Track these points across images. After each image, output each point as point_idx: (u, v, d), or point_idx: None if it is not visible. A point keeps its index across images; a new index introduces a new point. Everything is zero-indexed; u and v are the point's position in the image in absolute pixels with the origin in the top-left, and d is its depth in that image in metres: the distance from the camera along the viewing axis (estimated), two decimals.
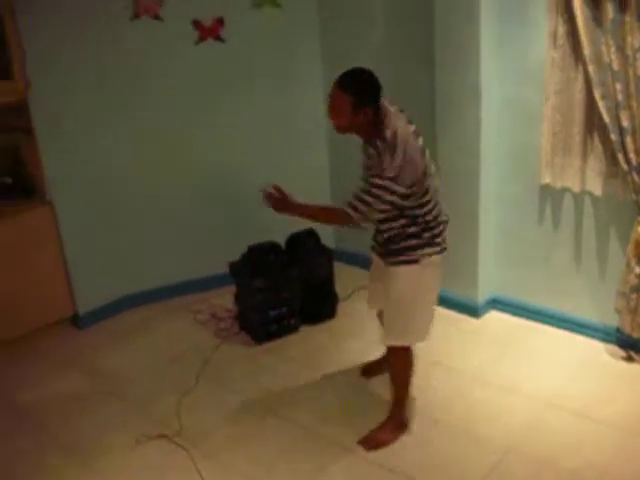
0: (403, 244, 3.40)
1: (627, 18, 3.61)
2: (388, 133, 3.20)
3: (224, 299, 5.16)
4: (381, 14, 4.91)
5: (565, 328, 4.54)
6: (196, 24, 4.92)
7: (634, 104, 3.73)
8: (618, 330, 4.26)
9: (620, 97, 3.75)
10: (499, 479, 3.40)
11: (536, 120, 4.25)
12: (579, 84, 3.99)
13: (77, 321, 5.09)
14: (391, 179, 3.15)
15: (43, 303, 4.90)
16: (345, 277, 5.14)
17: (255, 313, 4.70)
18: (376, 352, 4.30)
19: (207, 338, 4.84)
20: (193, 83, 5.06)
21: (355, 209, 3.25)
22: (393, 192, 3.17)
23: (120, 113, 4.92)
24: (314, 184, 5.57)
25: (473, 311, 4.80)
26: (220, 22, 4.96)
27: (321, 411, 4.01)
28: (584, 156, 4.11)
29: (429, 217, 3.38)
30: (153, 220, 5.23)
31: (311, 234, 4.92)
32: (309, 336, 4.80)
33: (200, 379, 4.37)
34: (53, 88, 4.62)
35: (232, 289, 4.96)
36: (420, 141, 3.31)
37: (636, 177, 3.84)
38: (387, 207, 3.23)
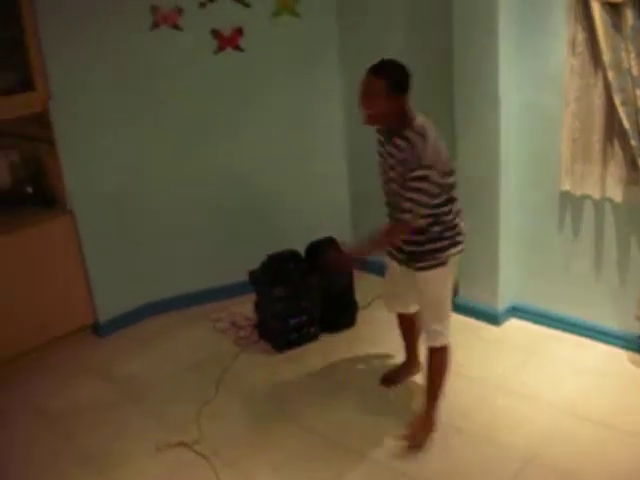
0: (428, 246, 3.44)
1: None
2: (417, 123, 3.29)
3: (244, 307, 5.15)
4: (400, 23, 4.91)
5: (586, 336, 4.51)
6: (215, 33, 4.94)
7: None
8: (639, 338, 4.22)
9: None
10: None
11: (555, 127, 4.23)
12: (598, 90, 3.97)
13: (98, 329, 5.12)
14: (429, 167, 3.20)
15: (64, 311, 4.93)
16: (365, 285, 5.13)
17: (275, 321, 4.71)
18: (396, 360, 4.30)
19: (227, 346, 4.85)
20: (212, 93, 5.06)
21: (404, 211, 3.28)
22: (432, 182, 3.21)
23: (140, 124, 4.95)
24: (333, 192, 5.59)
25: (493, 319, 4.77)
26: (239, 32, 4.97)
27: (340, 419, 4.00)
28: (604, 163, 4.09)
29: (451, 216, 3.44)
30: (173, 229, 5.24)
31: (331, 242, 4.92)
32: (329, 344, 4.79)
33: (220, 387, 4.37)
34: (74, 100, 4.66)
35: (252, 297, 4.96)
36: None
37: None
38: (429, 199, 3.26)
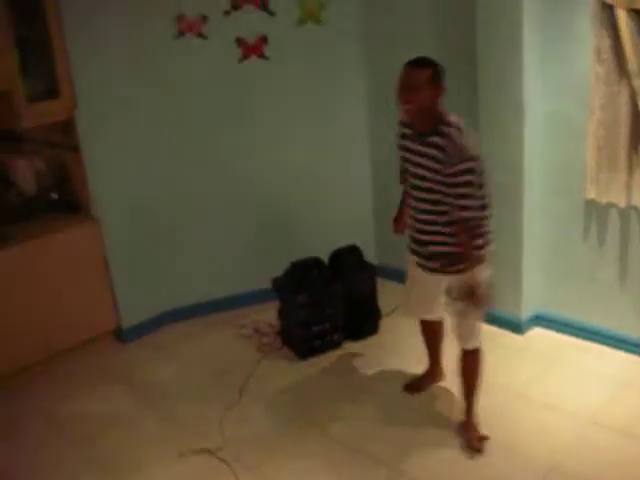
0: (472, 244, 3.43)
1: None
2: (451, 119, 3.34)
3: (267, 314, 5.16)
4: (424, 30, 4.90)
5: (610, 345, 4.47)
6: (240, 42, 4.96)
7: None
8: None
9: None
10: None
11: (580, 135, 4.22)
12: (624, 98, 3.95)
13: (121, 335, 5.14)
14: (473, 159, 3.24)
15: (87, 316, 4.97)
16: (388, 293, 5.12)
17: (298, 329, 4.71)
18: (419, 368, 4.29)
19: (250, 353, 4.86)
20: (237, 102, 5.08)
21: (464, 208, 3.29)
22: (477, 173, 3.26)
23: (164, 132, 4.98)
24: (356, 200, 5.59)
25: (516, 327, 4.75)
26: (264, 40, 4.99)
27: (363, 426, 4.00)
28: (630, 171, 4.06)
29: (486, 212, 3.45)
30: (196, 236, 5.26)
31: (354, 250, 4.93)
32: (352, 352, 4.79)
33: (243, 393, 4.39)
34: (99, 107, 4.70)
35: (275, 305, 4.97)
36: None
37: None
38: (479, 191, 3.29)
